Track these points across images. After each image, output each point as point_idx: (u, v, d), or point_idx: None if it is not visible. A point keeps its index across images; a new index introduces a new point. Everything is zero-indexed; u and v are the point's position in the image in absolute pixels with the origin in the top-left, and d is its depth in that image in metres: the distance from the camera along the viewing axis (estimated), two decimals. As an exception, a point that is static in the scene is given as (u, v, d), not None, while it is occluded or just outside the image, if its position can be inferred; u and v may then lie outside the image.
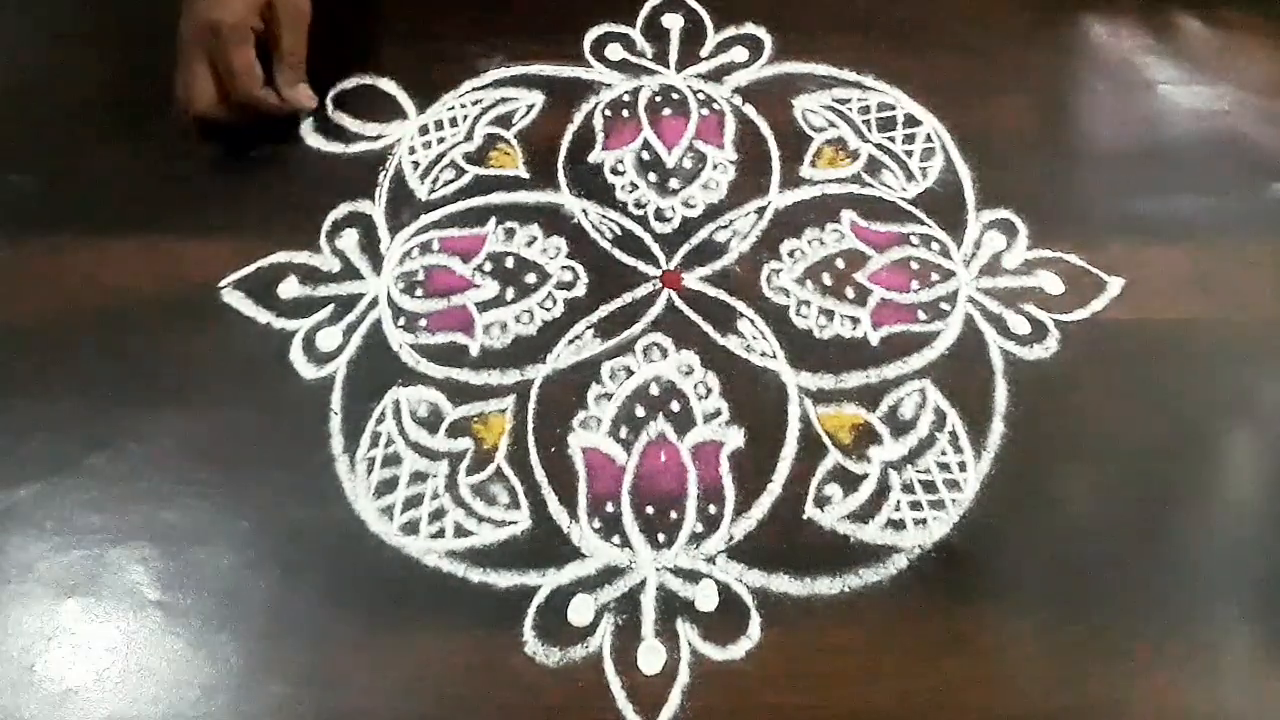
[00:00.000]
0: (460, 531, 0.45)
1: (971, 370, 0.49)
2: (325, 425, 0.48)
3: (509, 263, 0.52)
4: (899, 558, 0.44)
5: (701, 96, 0.58)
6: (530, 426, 0.48)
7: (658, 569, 0.44)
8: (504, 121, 0.57)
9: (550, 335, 0.50)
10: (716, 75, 0.59)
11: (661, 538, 0.45)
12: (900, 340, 0.50)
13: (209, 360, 0.49)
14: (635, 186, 0.55)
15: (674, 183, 0.55)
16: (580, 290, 0.51)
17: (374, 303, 0.51)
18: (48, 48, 0.61)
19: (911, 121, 0.57)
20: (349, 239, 0.53)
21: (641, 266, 0.52)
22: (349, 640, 0.43)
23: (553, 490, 0.46)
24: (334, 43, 0.59)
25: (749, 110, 0.57)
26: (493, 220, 0.54)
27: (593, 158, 0.56)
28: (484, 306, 0.51)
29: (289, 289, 0.52)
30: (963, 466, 0.46)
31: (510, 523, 0.45)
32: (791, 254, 0.52)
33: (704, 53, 0.60)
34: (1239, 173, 0.55)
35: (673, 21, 0.61)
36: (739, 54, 0.60)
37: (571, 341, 0.50)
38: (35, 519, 0.46)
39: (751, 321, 0.50)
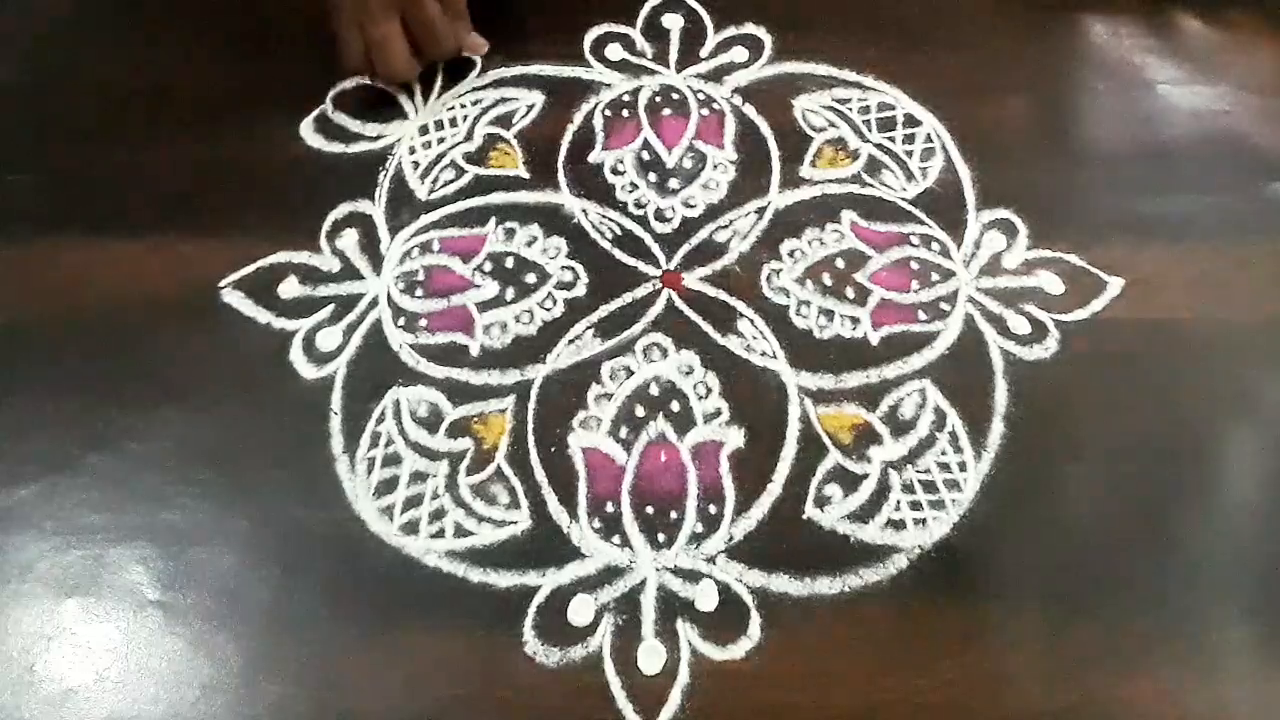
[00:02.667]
0: (460, 531, 0.45)
1: (971, 370, 0.49)
2: (325, 425, 0.48)
3: (509, 263, 0.52)
4: (899, 558, 0.44)
5: (701, 96, 0.58)
6: (530, 426, 0.48)
7: (658, 569, 0.44)
8: (504, 121, 0.57)
9: (550, 335, 0.50)
10: (716, 75, 0.59)
11: (661, 538, 0.45)
12: (900, 340, 0.50)
13: (209, 360, 0.49)
14: (635, 186, 0.55)
15: (674, 183, 0.55)
16: (580, 290, 0.51)
17: (374, 303, 0.51)
18: (47, 48, 0.61)
19: (911, 121, 0.57)
20: (349, 239, 0.53)
21: (641, 266, 0.52)
22: (349, 640, 0.43)
23: (553, 490, 0.46)
24: (334, 43, 0.59)
25: (749, 110, 0.57)
26: (493, 220, 0.54)
27: (593, 158, 0.56)
28: (484, 306, 0.51)
29: (289, 289, 0.52)
30: (963, 466, 0.46)
31: (510, 523, 0.45)
32: (791, 254, 0.52)
33: (704, 53, 0.60)
34: (1239, 173, 0.55)
35: (673, 21, 0.61)
36: (739, 54, 0.60)
37: (571, 341, 0.50)
38: (35, 519, 0.45)
39: (751, 321, 0.50)
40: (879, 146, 0.56)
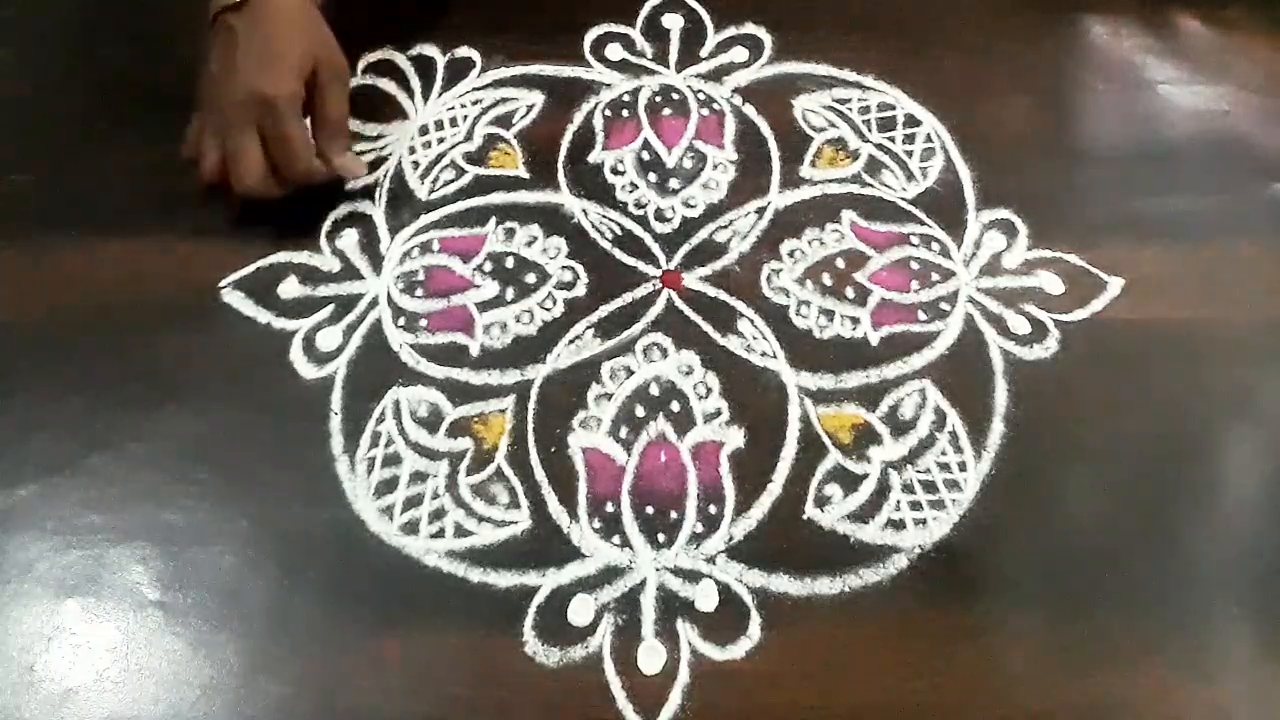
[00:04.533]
0: (460, 531, 0.45)
1: (971, 370, 0.49)
2: (325, 425, 0.48)
3: (509, 263, 0.52)
4: (899, 558, 0.44)
5: (701, 96, 0.58)
6: (530, 426, 0.48)
7: (658, 569, 0.44)
8: (504, 121, 0.57)
9: (550, 335, 0.50)
10: (716, 75, 0.59)
11: (661, 538, 0.45)
12: (900, 340, 0.50)
13: (209, 360, 0.49)
14: (635, 186, 0.55)
15: (674, 183, 0.55)
16: (580, 290, 0.51)
17: (374, 303, 0.51)
18: (48, 48, 0.61)
19: (911, 121, 0.57)
20: (349, 239, 0.53)
21: (641, 266, 0.52)
22: (349, 640, 0.43)
23: (553, 490, 0.46)
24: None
25: (749, 110, 0.57)
26: (493, 220, 0.54)
27: (593, 158, 0.56)
28: (484, 306, 0.51)
29: (289, 289, 0.52)
30: (963, 466, 0.46)
31: (510, 523, 0.45)
32: (791, 254, 0.52)
33: (704, 53, 0.60)
34: (1239, 173, 0.55)
35: (673, 21, 0.61)
36: (739, 54, 0.60)
37: (571, 341, 0.50)
38: (35, 519, 0.45)
39: (751, 321, 0.50)
40: (879, 146, 0.56)
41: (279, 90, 0.48)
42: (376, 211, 0.54)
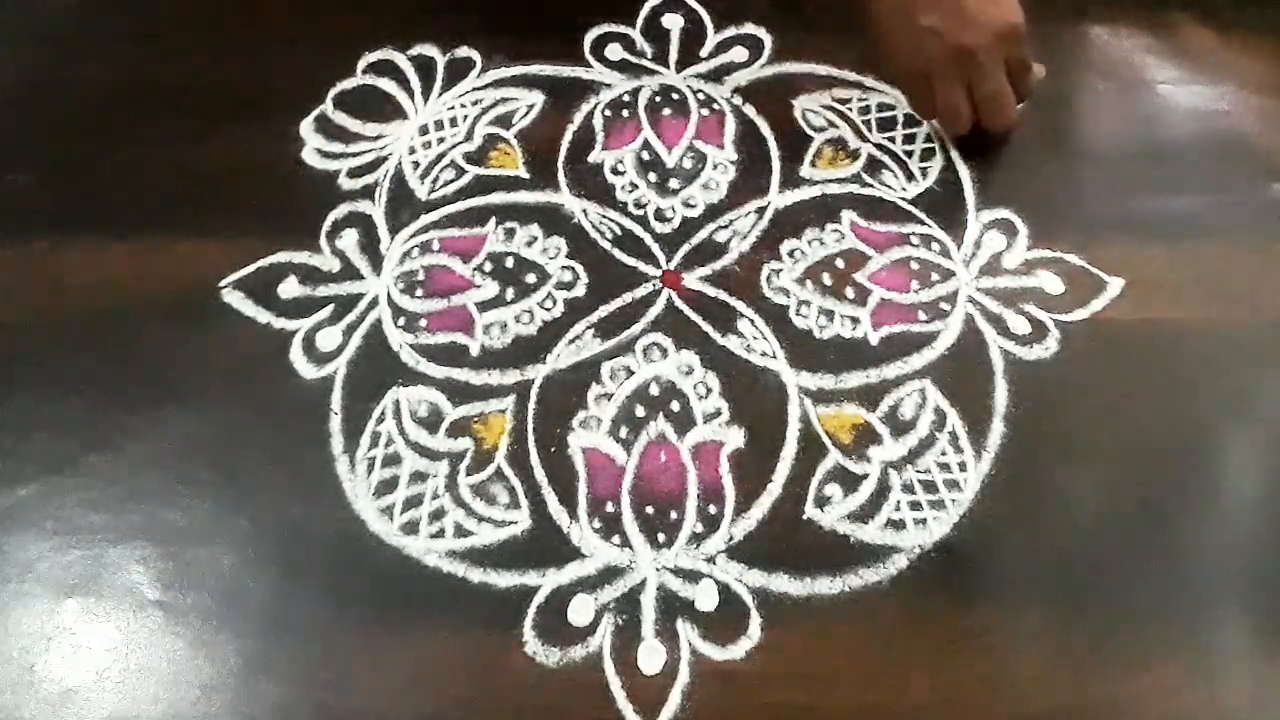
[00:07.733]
0: (460, 531, 0.45)
1: (971, 370, 0.49)
2: (325, 425, 0.48)
3: (509, 263, 0.52)
4: (899, 558, 0.44)
5: (701, 96, 0.58)
6: (530, 426, 0.48)
7: (658, 569, 0.44)
8: (504, 121, 0.57)
9: (550, 335, 0.50)
10: (716, 75, 0.59)
11: (661, 538, 0.45)
12: (900, 340, 0.50)
13: (209, 360, 0.49)
14: (635, 186, 0.55)
15: (674, 183, 0.55)
16: (580, 290, 0.51)
17: (374, 303, 0.51)
18: (48, 48, 0.61)
19: (911, 121, 0.57)
20: (349, 239, 0.53)
21: (641, 266, 0.52)
22: (349, 640, 0.43)
23: (553, 490, 0.46)
24: (334, 43, 0.60)
25: (749, 110, 0.57)
26: (493, 220, 0.54)
27: (593, 158, 0.56)
28: (484, 306, 0.51)
29: (289, 289, 0.52)
30: (963, 466, 0.46)
31: (510, 523, 0.45)
32: (791, 254, 0.52)
33: (704, 53, 0.60)
34: (1239, 173, 0.55)
35: (673, 21, 0.61)
36: (739, 54, 0.60)
37: (571, 341, 0.50)
38: (35, 519, 0.46)
39: (751, 321, 0.50)
40: (879, 146, 0.56)
41: (982, 43, 0.50)
42: (376, 211, 0.54)
